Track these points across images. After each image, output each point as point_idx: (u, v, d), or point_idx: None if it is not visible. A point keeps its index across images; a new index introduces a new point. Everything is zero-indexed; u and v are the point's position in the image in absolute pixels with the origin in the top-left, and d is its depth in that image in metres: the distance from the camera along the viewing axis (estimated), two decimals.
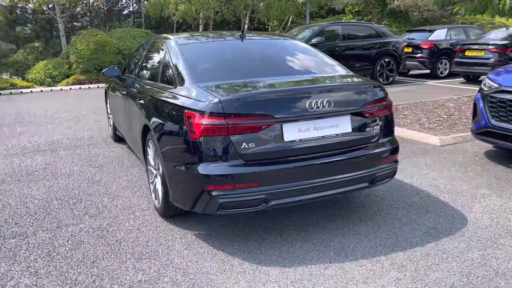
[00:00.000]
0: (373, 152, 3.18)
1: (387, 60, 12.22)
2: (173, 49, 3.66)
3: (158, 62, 3.95)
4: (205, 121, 2.76)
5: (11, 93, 13.42)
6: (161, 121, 3.26)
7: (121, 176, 4.74)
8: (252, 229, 3.36)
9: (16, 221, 3.61)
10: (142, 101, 3.80)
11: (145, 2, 19.31)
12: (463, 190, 4.04)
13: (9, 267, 2.88)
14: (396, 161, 3.40)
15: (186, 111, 2.91)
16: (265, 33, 4.61)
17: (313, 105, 2.90)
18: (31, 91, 13.70)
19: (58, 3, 16.29)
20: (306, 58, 3.85)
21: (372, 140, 3.22)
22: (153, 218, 3.60)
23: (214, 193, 2.80)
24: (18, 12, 19.53)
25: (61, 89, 13.96)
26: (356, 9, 22.91)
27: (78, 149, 5.95)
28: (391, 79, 12.36)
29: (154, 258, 2.96)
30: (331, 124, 3.01)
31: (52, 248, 3.13)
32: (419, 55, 13.33)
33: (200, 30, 18.90)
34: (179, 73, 3.36)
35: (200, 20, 18.41)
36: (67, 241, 3.23)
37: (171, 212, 3.44)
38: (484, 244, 3.03)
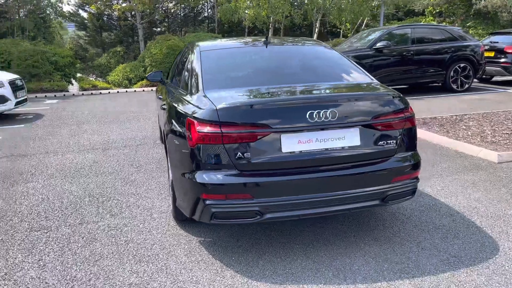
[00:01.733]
0: (385, 168, 2.93)
1: (462, 65, 11.27)
2: (195, 56, 3.70)
3: (183, 68, 4.02)
4: (201, 128, 2.75)
5: (92, 93, 14.62)
6: (170, 127, 3.31)
7: (154, 177, 4.90)
8: (257, 240, 3.27)
9: (47, 214, 3.89)
10: (164, 106, 3.90)
11: (219, 8, 19.91)
12: (507, 215, 3.58)
13: (24, 258, 3.10)
14: (416, 179, 3.10)
15: (187, 118, 2.92)
16: (295, 39, 4.47)
17: (314, 115, 2.75)
18: (109, 92, 14.79)
19: (138, 10, 17.41)
20: (328, 65, 3.68)
21: (387, 155, 2.97)
22: (166, 221, 3.66)
23: (207, 202, 2.77)
24: (105, 19, 21.27)
25: (135, 91, 14.88)
26: (438, 10, 21.49)
27: (126, 149, 6.27)
28: (466, 85, 11.38)
29: (152, 262, 3.00)
30: (337, 136, 2.83)
31: (67, 243, 3.32)
32: (502, 60, 12.13)
33: (270, 35, 19.03)
34: (193, 80, 3.38)
35: (270, 25, 18.53)
36: (82, 238, 3.41)
37: (181, 216, 3.47)
38: (508, 279, 2.65)
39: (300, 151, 2.78)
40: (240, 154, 2.72)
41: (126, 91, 14.89)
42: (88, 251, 3.18)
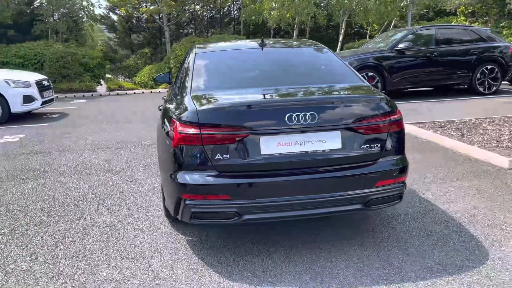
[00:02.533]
0: (368, 172, 2.89)
1: (489, 67, 10.86)
2: (190, 58, 3.77)
3: (181, 70, 4.09)
4: (181, 129, 2.80)
5: (118, 94, 15.04)
6: (160, 127, 3.39)
7: (159, 176, 4.99)
8: (244, 241, 3.29)
9: (49, 210, 4.05)
10: (160, 107, 3.99)
11: (243, 9, 20.02)
12: (505, 224, 3.44)
13: (19, 252, 3.25)
14: (402, 183, 3.03)
15: (172, 119, 2.99)
16: (293, 41, 4.45)
17: (293, 118, 2.74)
18: (134, 93, 15.18)
19: (164, 13, 17.77)
20: (321, 68, 3.66)
21: (370, 159, 2.92)
22: (159, 220, 3.74)
23: (187, 202, 2.82)
24: (134, 21, 21.83)
25: (159, 92, 15.20)
26: (470, 10, 20.80)
27: (138, 148, 6.43)
28: (494, 88, 10.96)
29: (137, 259, 3.08)
30: (317, 139, 2.81)
31: (61, 238, 3.45)
32: None
33: (294, 36, 18.97)
34: (184, 82, 3.45)
35: (295, 26, 18.46)
36: (77, 234, 3.53)
37: (171, 215, 3.53)
38: None
39: (280, 154, 2.79)
40: (219, 155, 2.76)
41: (151, 92, 15.24)
42: (79, 246, 3.30)
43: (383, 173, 2.92)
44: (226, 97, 3.03)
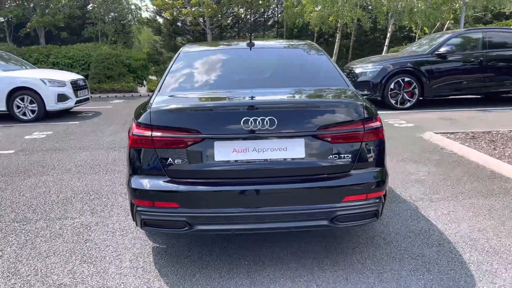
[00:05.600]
0: (334, 184, 2.59)
1: None
2: (174, 58, 3.65)
3: None
4: (135, 131, 2.67)
5: None
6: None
7: None
8: (209, 252, 3.09)
9: (36, 207, 4.08)
10: None
11: (284, 12, 19.77)
12: (507, 252, 2.98)
13: None
14: (378, 199, 2.69)
15: (133, 119, 2.86)
16: (284, 41, 4.16)
17: (249, 123, 2.51)
18: None
19: (206, 15, 17.95)
20: (305, 70, 3.37)
21: (339, 171, 2.62)
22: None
23: (138, 208, 2.67)
24: (179, 24, 22.28)
25: None
26: None
27: None
28: None
29: (94, 264, 2.98)
30: (277, 147, 2.56)
31: (34, 237, 3.43)
32: None
33: (337, 39, 18.45)
34: (159, 82, 3.32)
35: (338, 29, 17.93)
36: (50, 233, 3.50)
37: None
38: None
39: (235, 161, 2.57)
40: (171, 160, 2.59)
41: None
42: (46, 247, 3.25)
43: (352, 187, 2.60)
44: (186, 99, 2.86)
